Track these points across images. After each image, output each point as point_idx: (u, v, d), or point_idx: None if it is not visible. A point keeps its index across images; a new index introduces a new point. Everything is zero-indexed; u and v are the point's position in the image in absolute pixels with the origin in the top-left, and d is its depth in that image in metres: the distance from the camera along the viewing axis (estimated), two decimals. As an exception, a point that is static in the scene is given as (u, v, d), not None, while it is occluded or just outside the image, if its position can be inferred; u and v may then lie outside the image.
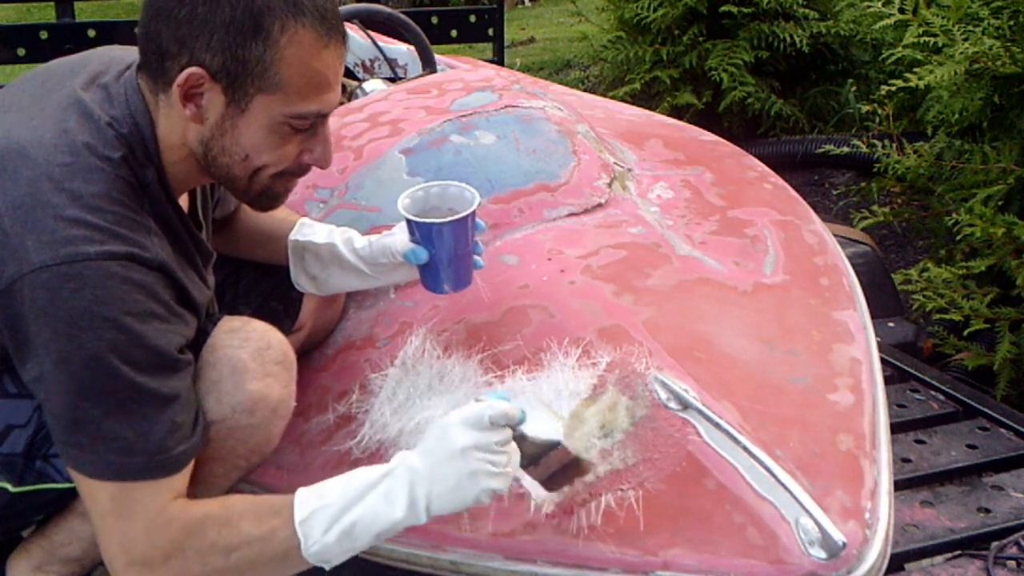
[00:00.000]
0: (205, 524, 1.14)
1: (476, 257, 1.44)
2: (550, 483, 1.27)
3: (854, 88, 4.28)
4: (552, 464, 1.24)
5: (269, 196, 1.27)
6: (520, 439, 1.17)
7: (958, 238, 2.76)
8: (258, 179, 1.24)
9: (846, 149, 3.35)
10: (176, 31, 1.15)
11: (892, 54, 3.08)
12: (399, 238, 1.44)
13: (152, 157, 1.20)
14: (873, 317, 1.68)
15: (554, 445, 1.24)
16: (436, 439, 1.15)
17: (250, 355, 1.27)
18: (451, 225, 1.37)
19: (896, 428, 1.79)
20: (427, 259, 1.40)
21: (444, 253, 1.39)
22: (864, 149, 3.19)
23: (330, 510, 1.13)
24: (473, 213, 1.39)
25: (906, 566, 1.49)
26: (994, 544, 1.50)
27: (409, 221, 1.40)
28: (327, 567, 1.16)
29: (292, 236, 1.53)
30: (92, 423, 1.11)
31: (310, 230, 1.54)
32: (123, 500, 1.13)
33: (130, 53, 1.29)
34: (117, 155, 1.16)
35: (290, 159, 1.24)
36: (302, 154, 1.24)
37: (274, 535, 1.13)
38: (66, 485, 1.28)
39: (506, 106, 1.90)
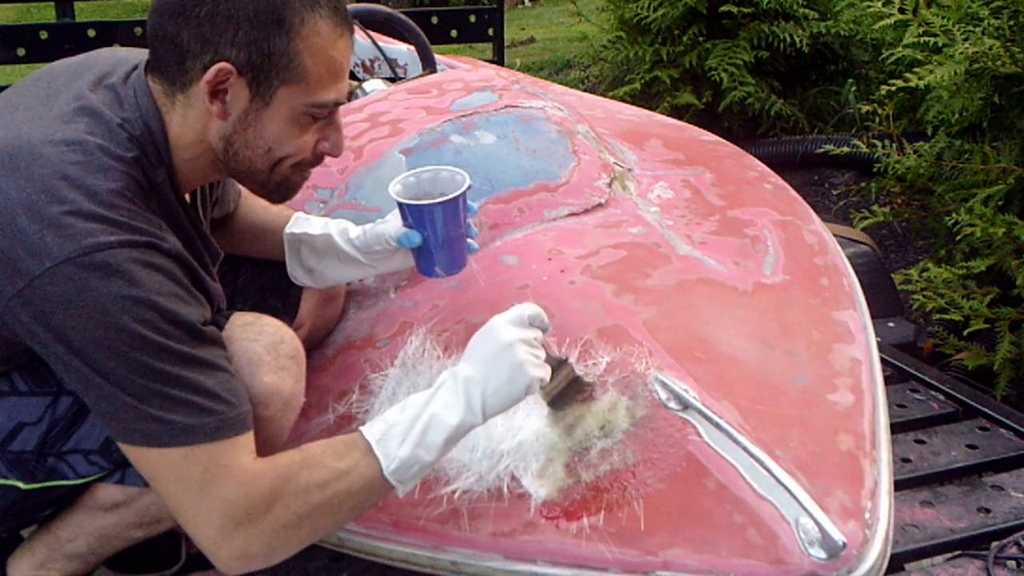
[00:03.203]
0: (293, 468, 1.17)
1: (470, 240, 1.45)
2: (556, 401, 1.34)
3: (854, 88, 4.28)
4: (560, 380, 1.33)
5: (287, 187, 1.31)
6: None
7: (958, 238, 2.76)
8: (278, 170, 1.28)
9: (846, 149, 3.35)
10: (198, 29, 1.17)
11: (892, 54, 3.08)
12: (393, 224, 1.46)
13: (163, 158, 1.22)
14: (873, 317, 1.68)
15: (564, 360, 1.34)
16: (482, 341, 1.23)
17: (265, 348, 1.28)
18: (442, 206, 1.38)
19: (896, 428, 1.79)
20: (421, 242, 1.41)
21: (437, 235, 1.40)
22: (864, 149, 3.19)
23: (398, 428, 1.19)
24: (464, 194, 1.39)
25: (906, 566, 1.49)
26: (994, 544, 1.50)
27: (401, 205, 1.41)
28: (402, 491, 1.20)
29: (288, 229, 1.55)
30: (157, 396, 1.11)
31: (305, 223, 1.56)
32: (212, 464, 1.13)
33: (134, 54, 1.30)
34: (130, 155, 1.18)
35: (309, 149, 1.28)
36: (319, 143, 1.28)
37: (358, 465, 1.18)
38: (77, 481, 1.29)
39: (506, 106, 1.90)
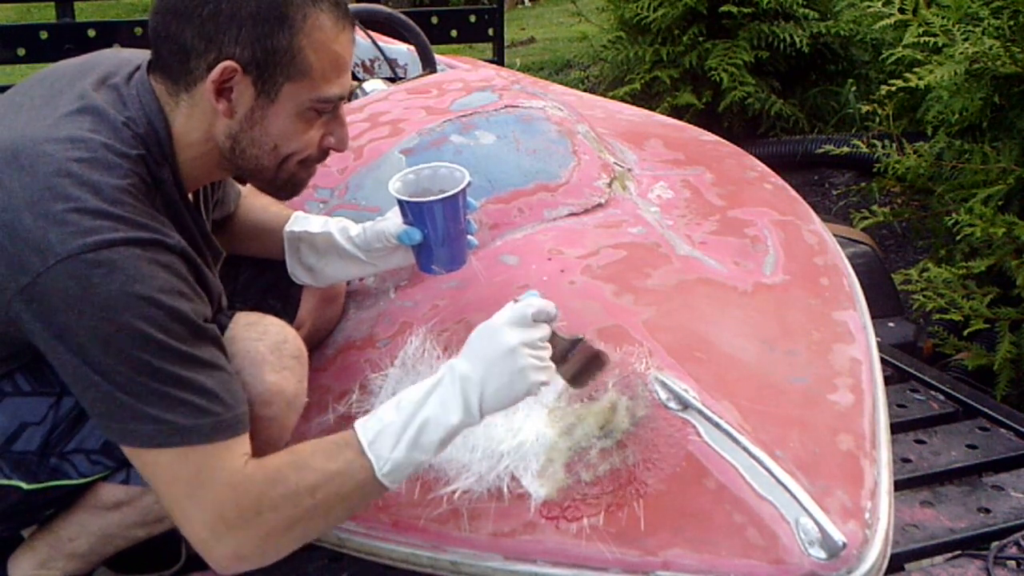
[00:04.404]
0: (283, 471, 1.16)
1: (469, 236, 1.45)
2: (576, 380, 1.31)
3: (854, 88, 4.28)
4: (578, 359, 1.29)
5: (294, 183, 1.32)
6: (551, 336, 1.24)
7: (958, 238, 2.76)
8: (285, 167, 1.28)
9: (846, 149, 3.35)
10: (201, 28, 1.17)
11: (892, 54, 3.08)
12: (392, 221, 1.46)
13: (168, 156, 1.23)
14: (873, 317, 1.68)
15: (579, 340, 1.29)
16: (484, 342, 1.20)
17: (268, 348, 1.28)
18: (442, 203, 1.38)
19: (896, 428, 1.78)
20: (420, 239, 1.41)
21: (437, 232, 1.40)
22: (864, 149, 3.18)
23: (392, 427, 1.17)
24: (464, 191, 1.39)
25: (906, 566, 1.49)
26: (994, 544, 1.50)
27: (401, 202, 1.41)
28: (394, 488, 1.19)
29: (288, 228, 1.55)
30: (155, 396, 1.11)
31: (305, 221, 1.56)
32: (205, 466, 1.13)
33: (137, 55, 1.30)
34: (135, 153, 1.18)
35: (314, 145, 1.28)
36: (324, 138, 1.29)
37: (350, 465, 1.16)
38: (79, 481, 1.29)
39: (506, 106, 1.90)
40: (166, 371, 1.11)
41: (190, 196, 1.31)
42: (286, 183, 1.31)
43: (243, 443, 1.17)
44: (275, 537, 1.16)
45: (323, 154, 1.31)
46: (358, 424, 1.19)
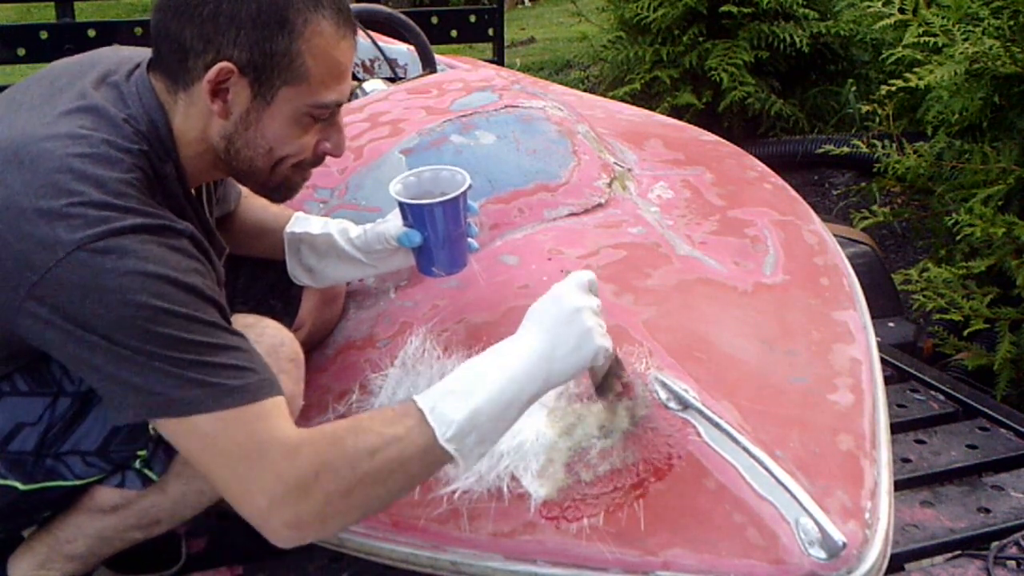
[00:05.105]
0: (339, 434, 1.14)
1: (470, 239, 1.45)
2: (603, 383, 1.31)
3: (854, 88, 4.28)
4: (608, 358, 1.27)
5: (287, 187, 1.32)
6: None
7: (958, 238, 2.76)
8: (279, 171, 1.28)
9: (846, 149, 3.35)
10: (200, 28, 1.17)
11: (892, 54, 3.09)
12: (393, 224, 1.46)
13: (170, 152, 1.23)
14: (873, 317, 1.68)
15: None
16: (546, 309, 1.20)
17: (265, 351, 1.27)
18: (442, 206, 1.38)
19: (896, 428, 1.78)
20: (421, 242, 1.41)
21: (437, 235, 1.40)
22: (864, 149, 3.19)
23: (454, 395, 1.15)
24: (464, 194, 1.39)
25: (906, 566, 1.49)
26: (994, 544, 1.50)
27: (401, 204, 1.41)
28: (462, 461, 1.15)
29: (288, 229, 1.55)
30: (195, 364, 1.09)
31: (306, 222, 1.56)
32: (259, 427, 1.11)
33: (137, 52, 1.31)
34: (136, 148, 1.18)
35: (310, 149, 1.28)
36: (319, 144, 1.28)
37: (410, 432, 1.13)
38: (75, 482, 1.29)
39: (506, 106, 1.90)
40: (199, 341, 1.10)
41: (193, 192, 1.32)
42: (279, 186, 1.31)
43: (285, 405, 1.16)
44: (334, 503, 1.12)
45: (319, 159, 1.30)
46: (417, 396, 1.16)
